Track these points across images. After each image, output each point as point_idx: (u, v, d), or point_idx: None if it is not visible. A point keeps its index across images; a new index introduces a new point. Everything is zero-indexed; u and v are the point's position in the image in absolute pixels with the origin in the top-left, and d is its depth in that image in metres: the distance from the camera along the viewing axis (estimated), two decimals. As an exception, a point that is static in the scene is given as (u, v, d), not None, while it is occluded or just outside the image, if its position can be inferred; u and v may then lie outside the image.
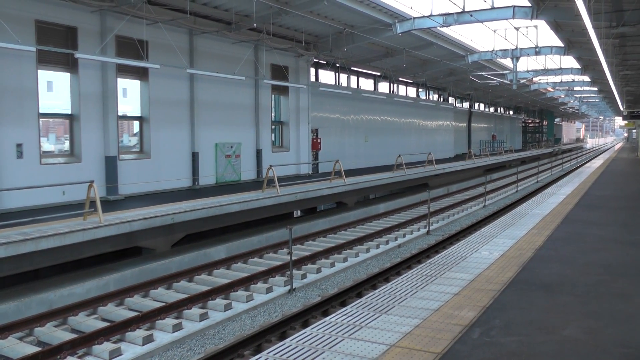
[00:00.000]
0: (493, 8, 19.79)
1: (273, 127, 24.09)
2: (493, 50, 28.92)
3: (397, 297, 5.84)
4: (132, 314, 9.11)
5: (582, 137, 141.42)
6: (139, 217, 12.06)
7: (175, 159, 18.49)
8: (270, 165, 16.74)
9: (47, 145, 16.22)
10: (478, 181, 31.00)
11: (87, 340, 7.75)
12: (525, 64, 35.48)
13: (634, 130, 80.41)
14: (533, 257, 7.55)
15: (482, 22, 20.24)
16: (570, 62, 34.44)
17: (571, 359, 4.27)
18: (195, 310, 9.20)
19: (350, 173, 23.16)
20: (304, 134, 25.29)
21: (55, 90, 15.87)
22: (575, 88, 49.06)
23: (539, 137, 77.92)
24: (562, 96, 56.64)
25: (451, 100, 45.85)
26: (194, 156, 19.16)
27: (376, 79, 33.42)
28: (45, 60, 14.71)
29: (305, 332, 4.86)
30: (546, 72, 35.81)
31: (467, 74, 35.24)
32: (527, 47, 28.35)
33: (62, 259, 10.54)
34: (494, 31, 25.92)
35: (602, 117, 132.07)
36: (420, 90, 40.23)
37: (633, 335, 4.68)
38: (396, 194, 25.32)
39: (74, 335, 8.09)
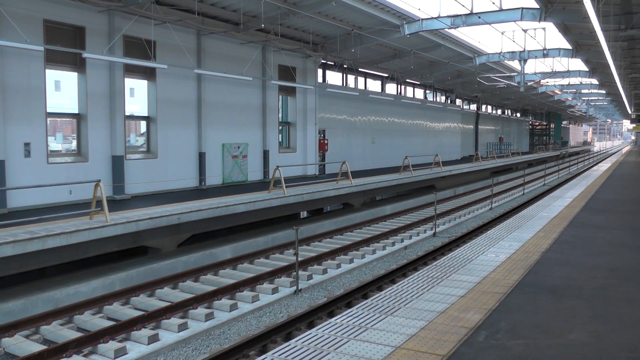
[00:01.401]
0: (501, 10, 19.74)
1: (280, 127, 24.11)
2: (501, 52, 28.86)
3: (403, 298, 5.82)
4: (138, 313, 9.12)
5: (589, 140, 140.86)
6: (145, 216, 12.09)
7: (182, 159, 18.53)
8: (277, 166, 16.75)
9: (55, 145, 16.29)
10: (485, 183, 30.92)
11: (93, 338, 7.77)
12: (533, 66, 35.45)
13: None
14: (539, 260, 7.51)
15: (490, 24, 20.19)
16: (578, 64, 34.24)
17: (577, 362, 4.25)
18: (201, 310, 9.21)
19: (357, 174, 23.15)
20: (311, 135, 25.30)
21: (62, 89, 15.94)
22: (583, 91, 48.89)
23: (546, 139, 77.69)
24: (570, 99, 56.46)
25: (458, 102, 45.78)
26: (201, 156, 19.20)
27: (384, 81, 33.40)
28: (53, 59, 14.78)
29: (310, 333, 4.85)
30: (554, 74, 35.69)
31: (475, 76, 35.16)
32: (535, 49, 28.27)
33: (69, 257, 10.57)
34: (502, 33, 25.88)
35: (609, 120, 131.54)
36: (427, 91, 40.19)
37: (640, 340, 4.66)
38: (403, 195, 25.28)
39: (79, 334, 8.12)
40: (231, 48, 20.12)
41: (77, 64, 15.37)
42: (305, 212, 19.58)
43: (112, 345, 7.68)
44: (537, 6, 18.79)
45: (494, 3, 19.41)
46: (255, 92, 21.80)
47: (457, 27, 20.86)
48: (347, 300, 9.77)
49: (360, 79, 31.06)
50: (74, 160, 15.49)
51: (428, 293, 6.01)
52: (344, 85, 29.49)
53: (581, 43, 25.72)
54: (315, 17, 18.87)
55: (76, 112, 15.64)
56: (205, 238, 14.27)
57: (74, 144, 16.06)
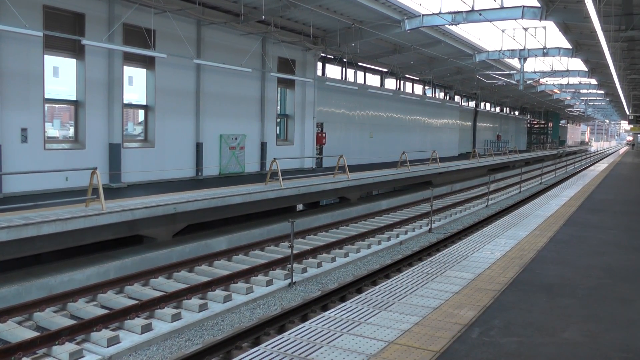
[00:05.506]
0: (502, 8, 19.71)
1: (278, 120, 24.07)
2: (501, 50, 28.82)
3: (397, 294, 5.82)
4: (132, 302, 9.12)
5: (587, 140, 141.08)
6: (141, 205, 12.07)
7: (179, 149, 18.49)
8: (274, 158, 16.73)
9: (52, 131, 16.24)
10: (481, 181, 30.96)
11: (86, 326, 7.76)
12: (533, 65, 35.42)
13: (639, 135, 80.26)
14: (535, 258, 7.52)
15: (491, 21, 20.16)
16: (577, 64, 34.28)
17: (570, 361, 4.25)
18: (195, 301, 9.21)
19: (354, 168, 23.14)
20: (309, 128, 25.26)
21: (61, 76, 15.88)
22: (582, 91, 48.94)
23: (544, 138, 77.79)
24: (568, 98, 56.49)
25: (457, 98, 45.76)
26: (198, 146, 19.16)
27: (383, 76, 33.35)
28: (52, 45, 14.70)
29: (304, 326, 4.85)
30: (553, 73, 35.69)
31: (474, 73, 35.14)
32: (535, 48, 28.24)
33: (64, 244, 10.56)
34: (503, 31, 25.83)
35: (607, 121, 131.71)
36: (426, 87, 40.15)
37: (633, 341, 4.66)
38: (399, 190, 25.30)
39: (72, 322, 8.11)
40: (231, 39, 20.04)
41: (76, 50, 15.30)
42: (301, 205, 19.58)
43: (105, 333, 7.67)
44: (538, 5, 18.76)
45: (495, 0, 19.39)
46: (254, 83, 21.74)
47: (458, 24, 20.80)
48: (341, 294, 9.78)
49: (360, 73, 31.02)
50: (71, 147, 15.44)
51: (422, 289, 6.01)
52: (343, 79, 29.45)
53: (581, 43, 25.71)
54: (316, 10, 18.80)
55: (74, 98, 15.57)
56: (200, 228, 14.26)
57: (71, 131, 16.00)
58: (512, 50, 29.26)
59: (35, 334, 7.65)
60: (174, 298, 9.20)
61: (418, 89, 39.04)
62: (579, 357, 4.30)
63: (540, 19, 19.17)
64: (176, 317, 8.50)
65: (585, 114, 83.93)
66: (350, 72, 29.94)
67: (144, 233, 12.35)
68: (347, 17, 21.16)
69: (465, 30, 29.78)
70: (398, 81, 35.60)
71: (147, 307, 8.71)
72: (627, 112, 54.66)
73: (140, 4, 15.83)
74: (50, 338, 7.31)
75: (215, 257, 12.12)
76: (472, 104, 50.27)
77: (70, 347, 7.22)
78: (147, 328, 8.00)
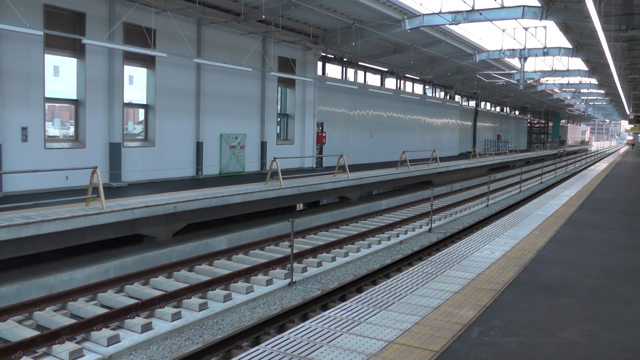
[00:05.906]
0: (502, 7, 19.72)
1: (278, 119, 24.07)
2: (501, 50, 28.82)
3: (397, 293, 5.82)
4: (132, 301, 9.12)
5: (587, 139, 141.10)
6: (141, 204, 12.07)
7: (179, 148, 18.49)
8: (274, 158, 16.73)
9: (52, 130, 16.25)
10: (481, 180, 30.96)
11: (86, 325, 7.76)
12: (533, 65, 35.44)
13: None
14: (535, 258, 7.52)
15: (491, 21, 20.16)
16: (578, 64, 34.29)
17: (570, 361, 4.25)
18: (195, 300, 9.20)
19: (354, 168, 23.14)
20: (309, 128, 25.26)
21: (61, 75, 15.88)
22: (582, 90, 48.93)
23: (544, 138, 77.79)
24: (569, 98, 56.48)
25: (457, 98, 45.75)
26: (199, 146, 19.17)
27: (383, 75, 33.35)
28: (53, 44, 14.71)
29: (304, 326, 4.85)
30: (553, 73, 35.69)
31: (475, 73, 35.13)
32: (535, 48, 28.24)
33: (64, 243, 10.56)
34: (503, 30, 25.82)
35: (607, 120, 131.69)
36: (427, 87, 40.15)
37: (633, 341, 4.66)
38: (399, 190, 25.30)
39: (72, 321, 8.11)
40: (231, 38, 20.04)
41: (76, 49, 15.30)
42: (301, 205, 19.58)
43: (105, 332, 7.67)
44: (539, 4, 18.77)
45: (495, 0, 19.39)
46: (254, 83, 21.74)
47: (458, 24, 20.81)
48: (341, 293, 9.78)
49: (360, 73, 31.02)
50: (71, 146, 15.45)
51: (422, 288, 6.01)
52: (344, 78, 29.45)
53: (582, 42, 25.70)
54: (316, 9, 18.80)
55: (74, 98, 15.59)
56: (200, 228, 14.26)
57: (71, 130, 16.01)
58: (513, 49, 29.26)
59: (36, 332, 7.65)
60: (174, 297, 9.19)
61: (418, 88, 39.05)
62: (579, 357, 4.30)
63: (541, 18, 19.17)
64: (176, 317, 8.50)
65: (585, 113, 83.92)
66: (350, 72, 29.94)
67: (144, 232, 12.35)
68: (348, 16, 21.15)
69: (466, 30, 29.92)
70: (398, 81, 35.60)
71: (147, 306, 8.71)
72: (628, 112, 54.63)
73: (141, 3, 15.84)
74: (51, 337, 7.31)
75: (215, 257, 12.12)
76: (472, 103, 50.28)
77: (70, 346, 7.22)
78: (147, 327, 8.00)
